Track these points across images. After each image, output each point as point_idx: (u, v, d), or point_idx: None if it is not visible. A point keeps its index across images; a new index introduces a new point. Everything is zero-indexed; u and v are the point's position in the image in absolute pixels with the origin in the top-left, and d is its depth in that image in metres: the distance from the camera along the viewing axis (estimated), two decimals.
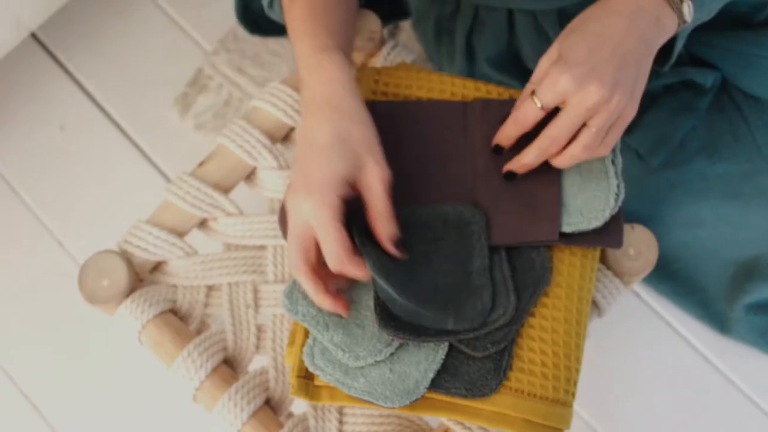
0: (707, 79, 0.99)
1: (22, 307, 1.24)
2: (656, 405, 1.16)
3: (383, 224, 0.68)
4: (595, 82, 0.67)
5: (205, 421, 1.07)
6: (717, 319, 1.15)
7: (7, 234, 1.27)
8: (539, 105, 0.69)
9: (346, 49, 0.75)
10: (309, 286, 0.68)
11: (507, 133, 0.73)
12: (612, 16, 0.69)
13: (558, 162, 0.71)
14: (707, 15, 0.77)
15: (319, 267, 0.69)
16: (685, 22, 0.72)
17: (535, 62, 1.00)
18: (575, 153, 0.70)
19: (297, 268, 0.68)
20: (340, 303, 0.69)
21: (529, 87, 0.72)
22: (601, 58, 0.67)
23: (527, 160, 0.71)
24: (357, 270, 0.67)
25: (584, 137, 0.69)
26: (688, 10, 0.72)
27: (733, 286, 1.11)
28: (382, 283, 0.67)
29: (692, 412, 1.16)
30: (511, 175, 0.74)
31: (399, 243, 0.68)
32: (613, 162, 0.73)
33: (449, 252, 0.72)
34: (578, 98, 0.67)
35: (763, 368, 1.16)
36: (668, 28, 0.72)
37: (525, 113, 0.70)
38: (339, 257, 0.66)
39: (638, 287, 1.21)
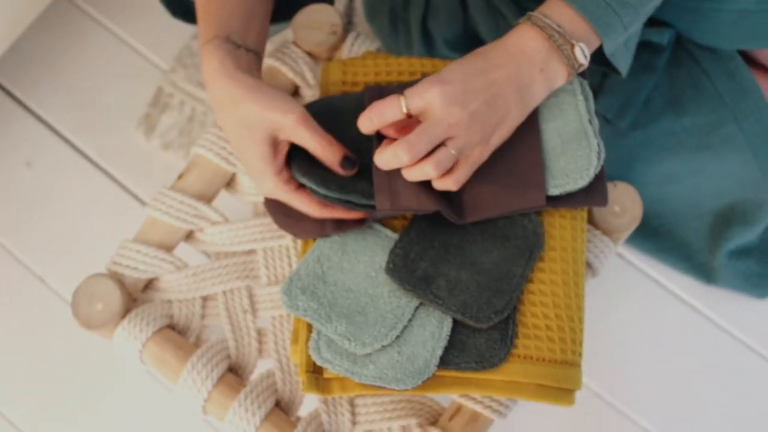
0: (663, 36, 1.01)
1: (12, 349, 1.22)
2: (653, 361, 1.18)
3: (327, 156, 0.72)
4: (460, 104, 0.68)
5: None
6: (702, 269, 1.17)
7: None
8: (404, 107, 0.68)
9: (239, 33, 0.75)
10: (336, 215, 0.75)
11: (363, 121, 0.71)
12: (499, 58, 0.70)
13: (407, 174, 0.70)
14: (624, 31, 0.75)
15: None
16: (581, 65, 0.72)
17: (493, 39, 1.02)
18: (427, 169, 0.69)
19: (317, 216, 0.75)
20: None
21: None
22: (473, 86, 0.68)
23: (379, 160, 0.70)
24: (332, 212, 0.74)
25: (440, 153, 0.69)
26: (581, 53, 0.71)
27: (714, 235, 1.13)
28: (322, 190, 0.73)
29: (689, 364, 1.18)
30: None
31: (345, 162, 0.73)
32: (590, 122, 0.74)
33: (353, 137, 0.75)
34: (441, 113, 0.67)
35: (751, 311, 1.19)
36: (557, 76, 0.72)
37: (385, 108, 0.69)
38: (312, 212, 0.74)
39: (622, 248, 1.22)
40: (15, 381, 1.21)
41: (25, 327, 1.23)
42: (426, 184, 0.71)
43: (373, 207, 0.72)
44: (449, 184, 0.70)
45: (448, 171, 0.70)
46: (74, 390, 1.20)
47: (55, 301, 1.24)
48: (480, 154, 0.71)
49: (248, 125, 0.71)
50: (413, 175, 0.69)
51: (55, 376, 1.20)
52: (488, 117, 0.69)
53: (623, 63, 0.78)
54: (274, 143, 0.72)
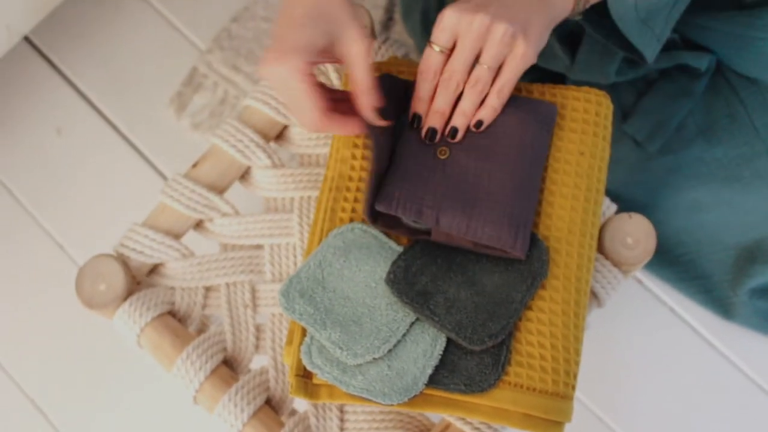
0: (702, 62, 0.98)
1: (26, 312, 1.24)
2: (661, 391, 1.16)
3: (362, 93, 0.70)
4: (480, 12, 0.69)
5: (208, 422, 1.07)
6: (721, 304, 1.14)
7: (7, 239, 1.28)
8: (437, 49, 0.71)
9: None
10: (334, 129, 0.71)
11: (419, 95, 0.73)
12: None
13: (461, 106, 0.73)
14: None
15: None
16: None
17: None
18: (468, 95, 0.72)
19: (311, 124, 0.70)
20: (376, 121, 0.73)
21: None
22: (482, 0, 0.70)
23: (436, 104, 0.73)
24: (337, 127, 0.71)
25: (474, 72, 0.71)
26: None
27: (736, 270, 1.11)
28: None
29: (697, 398, 1.15)
30: (432, 132, 0.74)
31: (377, 112, 0.72)
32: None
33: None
34: (464, 28, 0.69)
35: (767, 352, 1.16)
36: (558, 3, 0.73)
37: (426, 63, 0.72)
38: (313, 120, 0.69)
39: (641, 274, 1.20)
40: (26, 344, 1.22)
41: (41, 291, 1.25)
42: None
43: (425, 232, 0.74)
44: (496, 89, 0.72)
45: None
46: (85, 356, 1.21)
47: (72, 268, 1.26)
48: (524, 53, 0.71)
49: (323, 13, 0.69)
50: (465, 105, 0.72)
51: (67, 341, 1.22)
52: (512, 14, 0.69)
53: (647, 47, 0.80)
54: (329, 44, 0.70)
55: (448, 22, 0.70)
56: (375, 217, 0.73)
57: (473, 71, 0.71)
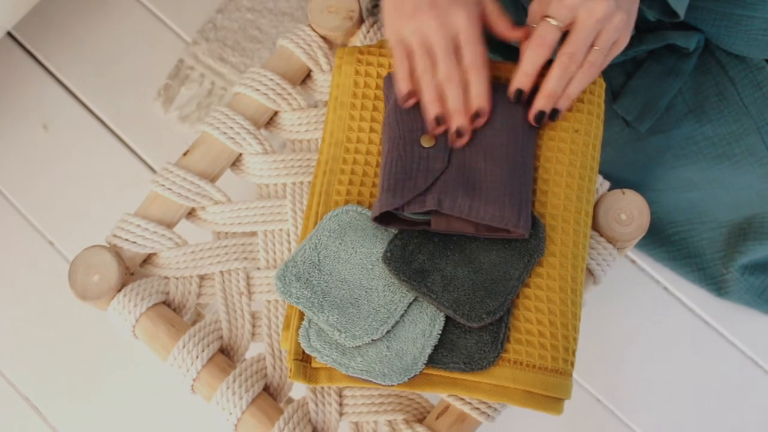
0: (690, 41, 0.98)
1: (18, 310, 1.23)
2: (657, 371, 1.16)
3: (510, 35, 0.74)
4: None
5: (206, 413, 1.07)
6: (713, 281, 1.15)
7: None
8: (554, 23, 0.70)
9: None
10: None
11: (527, 69, 0.73)
12: None
13: (572, 89, 0.73)
14: None
15: None
16: None
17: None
18: (582, 79, 0.72)
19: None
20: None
21: (531, 22, 0.73)
22: None
23: (551, 86, 0.72)
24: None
25: (592, 55, 0.71)
26: None
27: (728, 247, 1.11)
28: None
29: (693, 376, 1.16)
30: (541, 115, 0.74)
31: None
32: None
33: None
34: (586, 11, 0.69)
35: (762, 328, 1.16)
36: None
37: (543, 36, 0.71)
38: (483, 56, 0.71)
39: (634, 254, 1.20)
40: (19, 342, 1.22)
41: (33, 289, 1.24)
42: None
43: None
44: (594, 72, 0.73)
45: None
46: (79, 352, 1.21)
47: (63, 264, 1.25)
48: (625, 41, 0.73)
49: None
50: (575, 88, 0.73)
51: (61, 338, 1.21)
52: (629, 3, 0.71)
53: (680, 4, 0.82)
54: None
55: (572, 0, 0.70)
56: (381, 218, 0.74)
57: (589, 55, 0.72)
